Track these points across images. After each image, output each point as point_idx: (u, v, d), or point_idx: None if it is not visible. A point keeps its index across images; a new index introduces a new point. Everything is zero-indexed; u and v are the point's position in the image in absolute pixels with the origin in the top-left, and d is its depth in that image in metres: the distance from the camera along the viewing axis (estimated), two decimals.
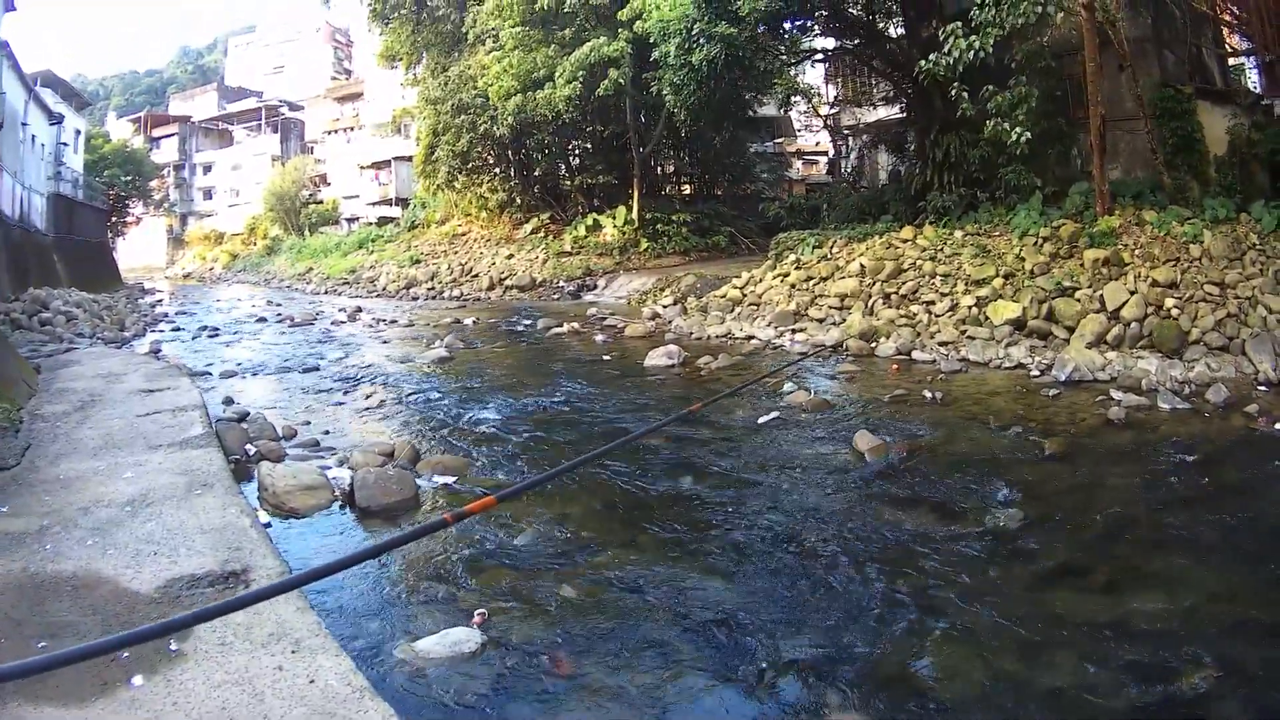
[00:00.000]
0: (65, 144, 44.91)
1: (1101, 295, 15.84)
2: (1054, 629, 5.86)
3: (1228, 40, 24.41)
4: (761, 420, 12.19)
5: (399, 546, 6.05)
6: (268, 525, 7.67)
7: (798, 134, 56.94)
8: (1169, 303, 15.07)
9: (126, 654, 4.54)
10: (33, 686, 4.24)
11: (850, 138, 36.66)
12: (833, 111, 38.59)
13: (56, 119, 42.05)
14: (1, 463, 8.46)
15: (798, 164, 60.71)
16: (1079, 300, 16.09)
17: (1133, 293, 15.49)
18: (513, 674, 5.45)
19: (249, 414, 12.43)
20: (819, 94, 36.90)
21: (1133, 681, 5.24)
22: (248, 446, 10.55)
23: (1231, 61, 24.89)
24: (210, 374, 17.39)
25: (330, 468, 9.94)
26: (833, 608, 6.39)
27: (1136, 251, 16.70)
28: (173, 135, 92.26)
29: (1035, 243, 18.43)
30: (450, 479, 9.75)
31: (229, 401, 13.86)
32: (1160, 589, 6.46)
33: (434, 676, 5.37)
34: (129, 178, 68.00)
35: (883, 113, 33.80)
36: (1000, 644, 5.72)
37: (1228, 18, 22.84)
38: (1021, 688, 5.25)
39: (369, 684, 4.49)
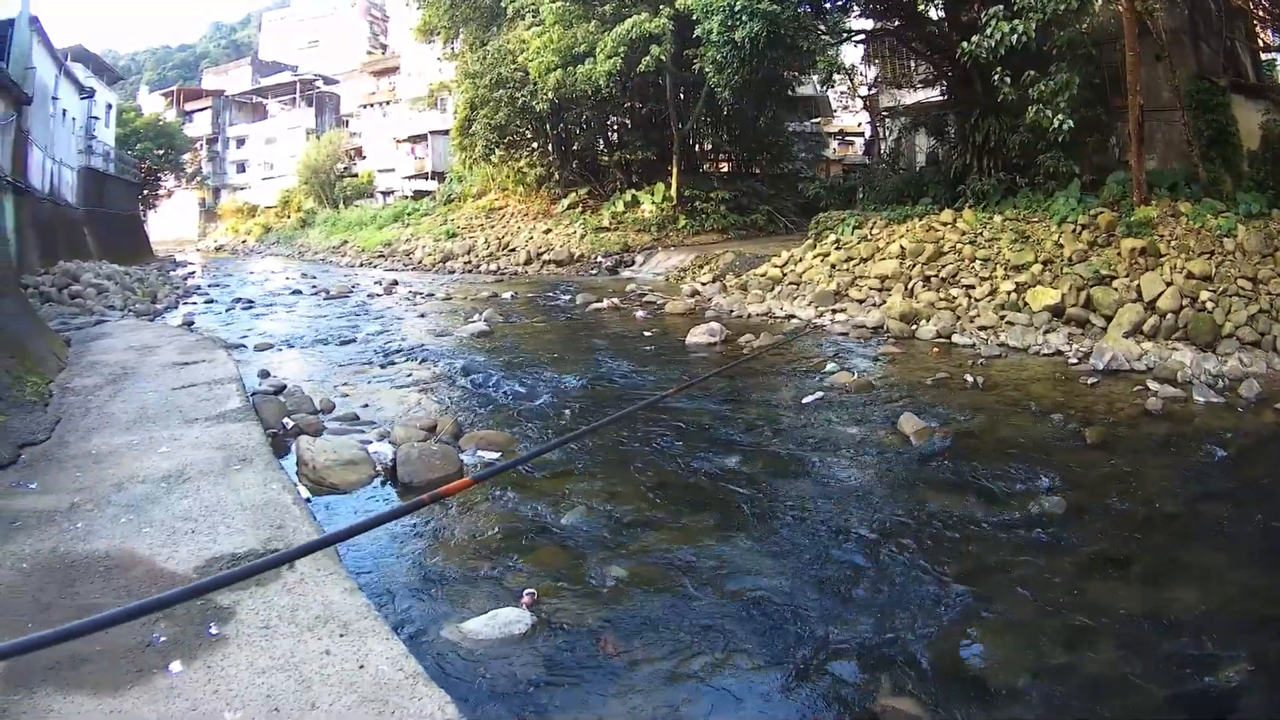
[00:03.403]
0: (96, 118, 45.14)
1: (1138, 285, 15.77)
2: (1095, 618, 5.87)
3: (1260, 35, 24.34)
4: (806, 400, 12.14)
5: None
6: (307, 501, 7.53)
7: (834, 114, 56.85)
8: (1203, 296, 14.98)
9: (163, 638, 4.49)
10: (62, 674, 4.17)
11: (888, 119, 36.56)
12: (872, 92, 38.54)
13: (88, 93, 42.17)
14: (30, 437, 8.34)
15: (834, 144, 60.59)
16: (1116, 289, 16.03)
17: (1169, 284, 15.43)
18: (563, 656, 5.38)
19: (286, 387, 12.42)
20: (861, 74, 36.91)
21: (1169, 673, 5.26)
22: (285, 420, 10.49)
23: (1264, 56, 24.80)
24: (245, 346, 17.44)
25: (370, 442, 9.84)
26: (882, 592, 6.38)
27: (1172, 243, 16.61)
28: (206, 109, 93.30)
29: (1074, 230, 18.35)
30: (494, 454, 9.63)
31: (265, 374, 13.81)
32: (1195, 582, 6.50)
33: (484, 658, 5.30)
34: (161, 151, 69.07)
35: (922, 95, 33.70)
36: (1045, 632, 5.73)
37: (1261, 12, 22.83)
38: (1065, 676, 5.26)
39: (421, 669, 4.36)
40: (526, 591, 6.07)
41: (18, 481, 7.12)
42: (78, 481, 7.07)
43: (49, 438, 8.42)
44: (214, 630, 4.59)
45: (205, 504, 6.51)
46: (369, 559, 6.68)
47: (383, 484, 8.63)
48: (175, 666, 4.26)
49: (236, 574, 3.33)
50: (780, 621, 5.87)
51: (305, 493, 7.91)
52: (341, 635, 4.57)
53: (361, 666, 4.30)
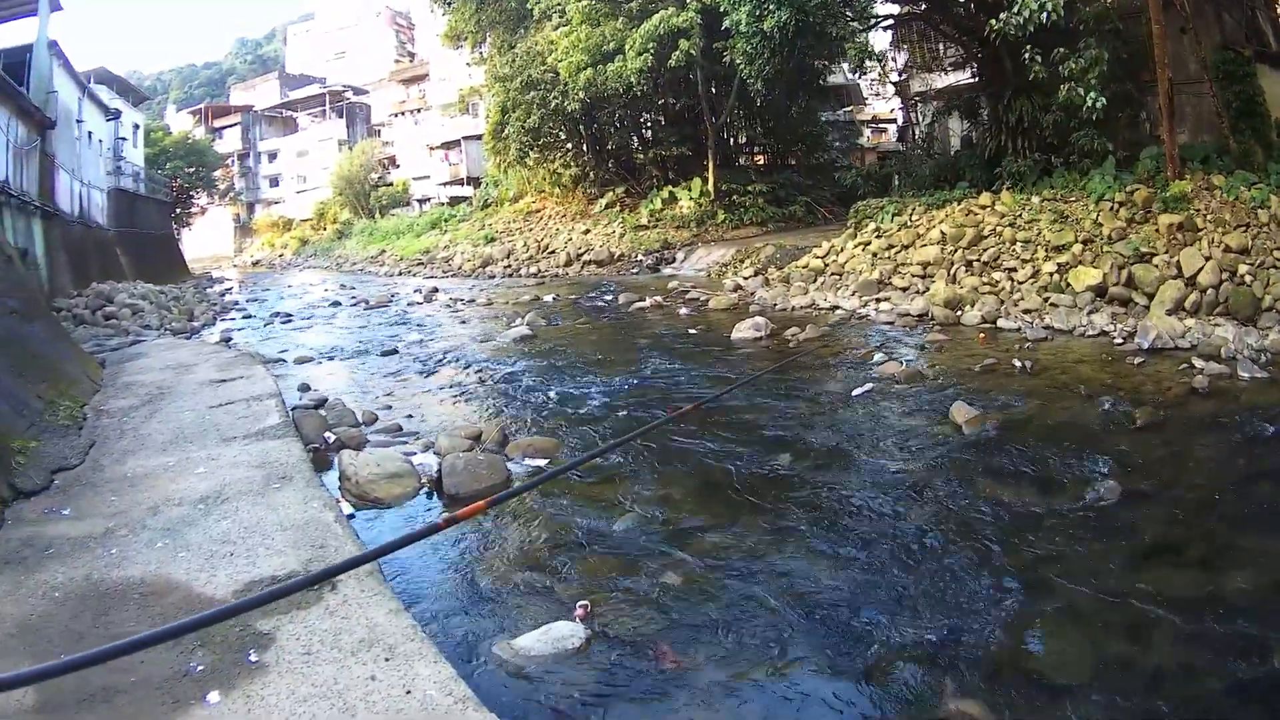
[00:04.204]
0: (124, 139, 45.55)
1: (1178, 261, 15.72)
2: (1154, 607, 5.78)
3: None
4: (856, 393, 12.03)
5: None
6: (351, 517, 7.45)
7: (866, 102, 56.70)
8: (1242, 269, 14.96)
9: (200, 667, 4.37)
10: (95, 706, 4.06)
11: (920, 104, 36.44)
12: (902, 78, 38.44)
13: (113, 115, 42.68)
14: (63, 462, 8.19)
15: (867, 132, 60.43)
16: (1157, 266, 15.96)
17: (1207, 259, 15.38)
18: (619, 670, 5.23)
19: (327, 400, 12.28)
20: (892, 59, 36.61)
21: (1228, 661, 5.22)
22: (326, 434, 10.29)
23: None
24: (284, 361, 17.34)
25: (415, 453, 9.68)
26: (942, 588, 6.26)
27: (1208, 216, 16.57)
28: (235, 125, 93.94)
29: (1111, 208, 18.25)
30: (542, 461, 9.52)
31: (305, 388, 13.77)
32: (1248, 565, 6.42)
33: (537, 675, 5.15)
34: (192, 169, 69.18)
35: (953, 78, 33.62)
36: (1105, 623, 5.66)
37: None
38: (1127, 668, 5.22)
39: (471, 693, 4.21)
40: (580, 603, 5.90)
41: (50, 508, 7.04)
42: (112, 506, 6.98)
43: (82, 462, 8.32)
44: (253, 658, 4.49)
45: (244, 525, 6.40)
46: (416, 574, 6.61)
47: (429, 496, 8.51)
48: (213, 697, 4.16)
49: (251, 602, 3.22)
50: (839, 624, 5.79)
51: (349, 508, 7.84)
52: (387, 659, 4.46)
53: (409, 692, 4.19)
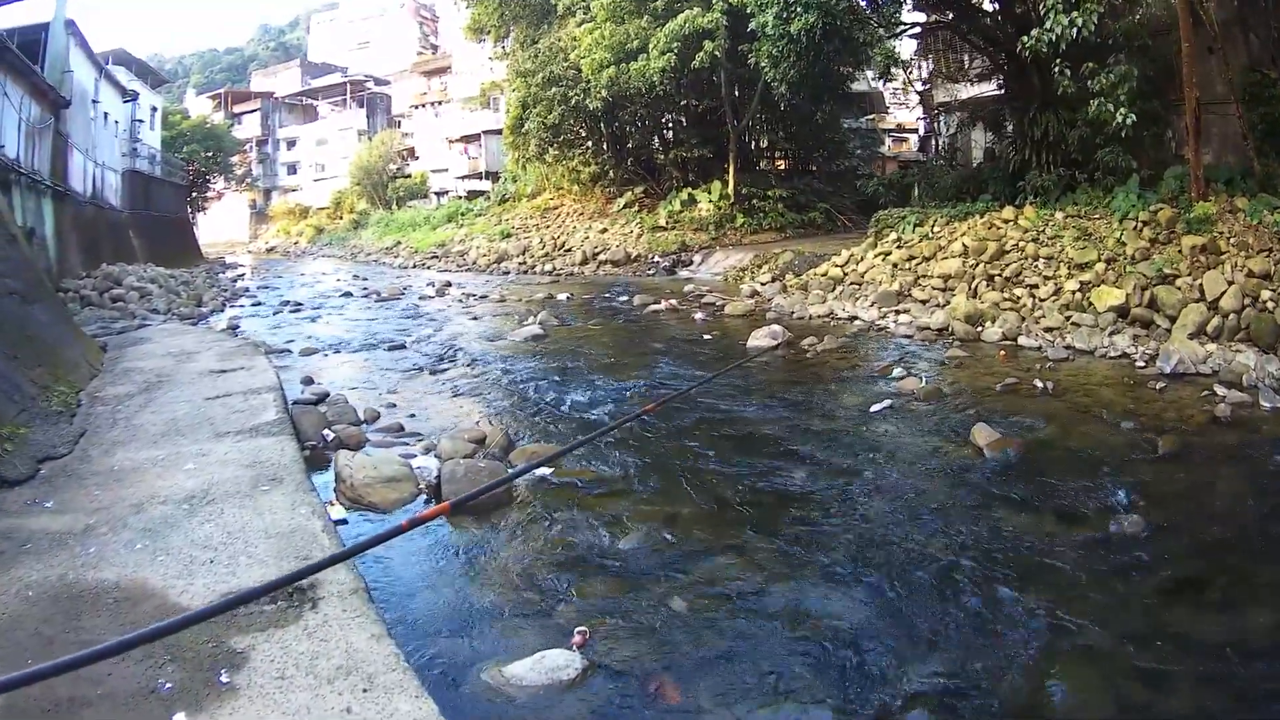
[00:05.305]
0: (141, 121, 45.60)
1: (1201, 284, 15.48)
2: (1176, 649, 5.67)
3: None
4: (874, 409, 11.82)
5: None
6: (343, 522, 7.31)
7: (888, 110, 56.59)
8: (1264, 295, 14.70)
9: (169, 685, 4.13)
10: (58, 717, 3.89)
11: (944, 114, 36.25)
12: (926, 87, 38.27)
13: (130, 96, 42.65)
14: (51, 451, 7.97)
15: (888, 140, 60.25)
16: (1179, 289, 15.73)
17: (1230, 283, 15.13)
18: (616, 705, 5.01)
19: (329, 395, 12.12)
20: (916, 68, 36.32)
21: (1250, 708, 5.12)
22: (325, 432, 10.15)
23: None
24: (290, 351, 17.27)
25: (415, 456, 9.52)
26: (959, 625, 6.05)
27: (1232, 239, 16.32)
28: (255, 111, 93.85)
29: (1135, 227, 18.01)
30: (546, 470, 9.14)
31: (308, 381, 13.56)
32: (1271, 604, 6.32)
33: (527, 707, 4.93)
34: (209, 153, 69.10)
35: (978, 89, 33.36)
36: (1126, 667, 5.50)
37: None
38: (1146, 715, 5.12)
39: None
40: (578, 630, 5.65)
41: (33, 499, 6.83)
42: (96, 501, 6.76)
43: (71, 451, 8.11)
44: (224, 679, 4.23)
45: (228, 530, 6.14)
46: (406, 589, 6.45)
47: (426, 502, 8.25)
48: (179, 719, 3.89)
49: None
50: (852, 660, 5.56)
51: (341, 513, 7.66)
52: (365, 690, 4.17)
53: None
